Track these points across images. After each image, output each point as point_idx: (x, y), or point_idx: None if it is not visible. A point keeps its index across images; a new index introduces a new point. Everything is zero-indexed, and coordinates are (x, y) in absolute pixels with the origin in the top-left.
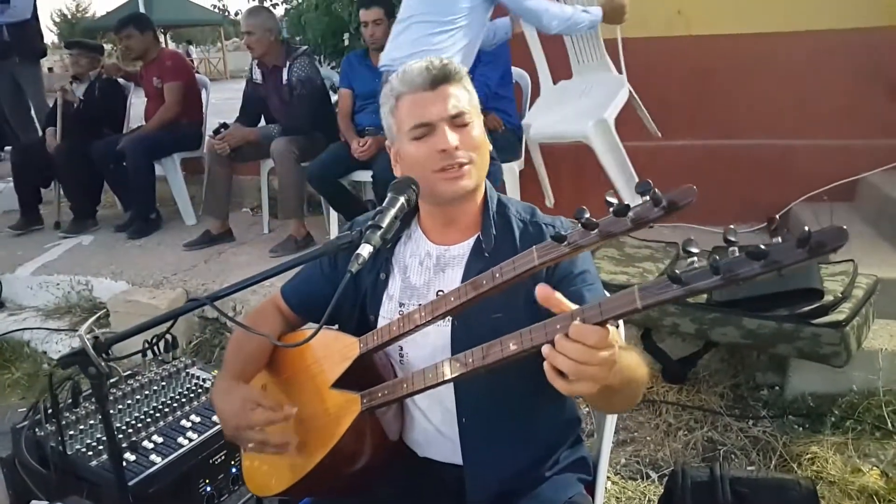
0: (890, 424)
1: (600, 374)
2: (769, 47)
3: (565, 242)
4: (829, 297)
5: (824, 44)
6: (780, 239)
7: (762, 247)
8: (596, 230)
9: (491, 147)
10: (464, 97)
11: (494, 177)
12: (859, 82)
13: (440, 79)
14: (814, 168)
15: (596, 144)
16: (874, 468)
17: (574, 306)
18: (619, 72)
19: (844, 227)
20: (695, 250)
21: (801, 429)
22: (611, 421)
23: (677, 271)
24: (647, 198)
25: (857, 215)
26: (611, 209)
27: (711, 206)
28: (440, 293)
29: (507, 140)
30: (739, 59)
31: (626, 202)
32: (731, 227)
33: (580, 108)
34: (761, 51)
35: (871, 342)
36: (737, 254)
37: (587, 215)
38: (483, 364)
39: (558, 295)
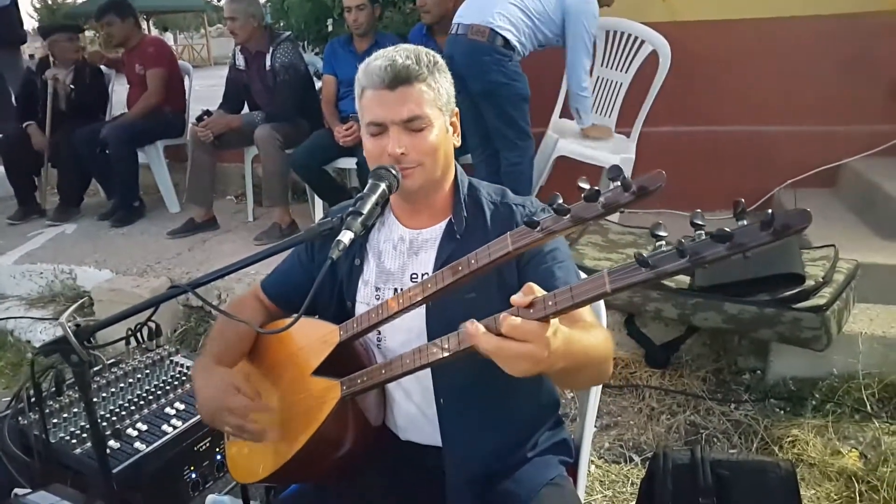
0: (869, 407)
1: (521, 365)
2: (753, 33)
3: (538, 228)
4: (810, 282)
5: (808, 30)
6: (745, 222)
7: (727, 230)
8: (568, 215)
9: (458, 144)
10: (427, 97)
11: (517, 177)
12: (842, 68)
13: (400, 79)
14: (797, 154)
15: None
16: (853, 450)
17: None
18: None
19: (808, 209)
20: (663, 234)
21: (782, 412)
22: (593, 405)
23: (644, 254)
24: (618, 183)
25: (838, 201)
26: (582, 195)
27: (695, 192)
28: (414, 276)
29: None
30: (723, 46)
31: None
32: (699, 210)
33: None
34: (745, 37)
35: (851, 326)
36: (703, 237)
37: (560, 201)
38: (459, 349)
39: (536, 290)
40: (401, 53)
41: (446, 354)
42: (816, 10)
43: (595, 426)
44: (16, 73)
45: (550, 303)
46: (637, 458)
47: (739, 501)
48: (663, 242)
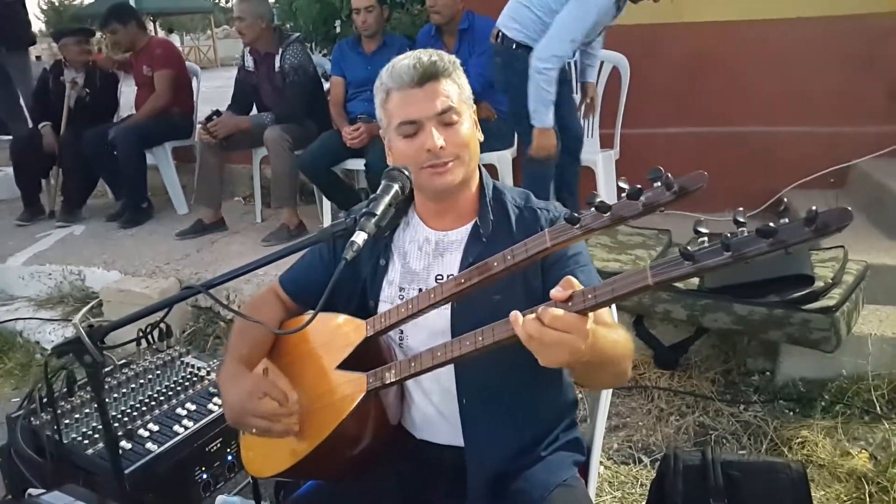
0: (879, 408)
1: (559, 354)
2: (761, 34)
3: (578, 224)
4: (819, 283)
5: (816, 30)
6: (787, 220)
7: (772, 225)
8: (608, 213)
9: (482, 139)
10: (453, 92)
11: (534, 178)
12: (851, 69)
13: (428, 75)
14: (805, 155)
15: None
16: (863, 451)
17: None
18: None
19: (849, 207)
20: (704, 230)
21: (791, 413)
22: (604, 405)
23: (690, 248)
24: (660, 183)
25: (847, 202)
26: (623, 193)
27: (703, 193)
28: (439, 278)
29: (500, 129)
30: (731, 46)
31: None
32: (741, 209)
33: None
34: (753, 38)
35: (860, 327)
36: (746, 233)
37: (600, 199)
38: (493, 340)
39: (575, 284)
40: (424, 53)
41: (480, 346)
42: (825, 11)
43: (604, 426)
44: (24, 75)
45: (590, 296)
46: (646, 459)
47: (750, 503)
48: (705, 239)
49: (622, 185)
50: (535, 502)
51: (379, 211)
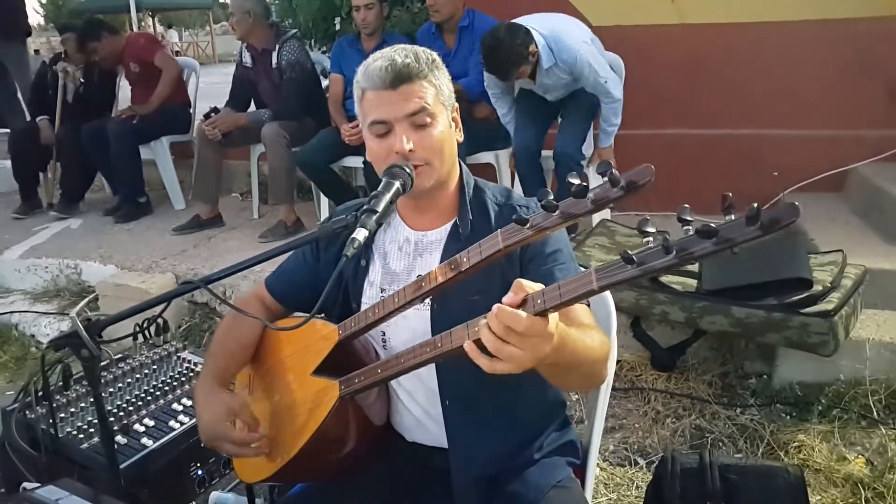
0: (876, 413)
1: (523, 356)
2: (760, 37)
3: (528, 225)
4: (817, 287)
5: (815, 34)
6: (732, 217)
7: (712, 225)
8: (557, 212)
9: (461, 139)
10: (429, 93)
11: None
12: (849, 73)
13: (402, 77)
14: (803, 158)
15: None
16: (859, 456)
17: (539, 287)
18: None
19: (797, 203)
20: (650, 230)
21: (788, 417)
22: (601, 407)
23: (630, 252)
24: (606, 179)
25: (846, 206)
26: (570, 190)
27: (701, 195)
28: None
29: (498, 128)
30: (731, 49)
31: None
32: (686, 206)
33: None
34: (752, 40)
35: (858, 332)
36: (690, 233)
37: (550, 197)
38: (453, 347)
39: (527, 286)
40: (399, 53)
41: (443, 351)
42: (825, 14)
43: (601, 429)
44: (22, 68)
45: (539, 301)
46: (642, 462)
47: None
48: (650, 239)
49: (572, 180)
50: None
51: (380, 208)
